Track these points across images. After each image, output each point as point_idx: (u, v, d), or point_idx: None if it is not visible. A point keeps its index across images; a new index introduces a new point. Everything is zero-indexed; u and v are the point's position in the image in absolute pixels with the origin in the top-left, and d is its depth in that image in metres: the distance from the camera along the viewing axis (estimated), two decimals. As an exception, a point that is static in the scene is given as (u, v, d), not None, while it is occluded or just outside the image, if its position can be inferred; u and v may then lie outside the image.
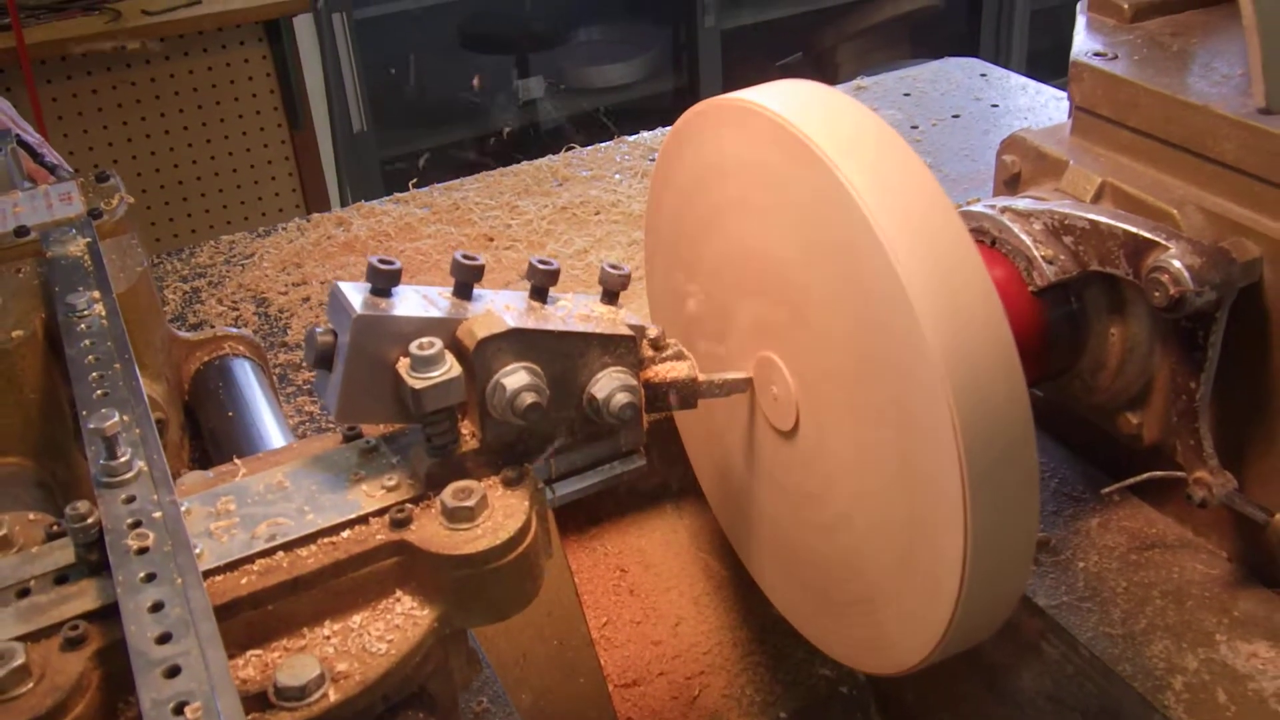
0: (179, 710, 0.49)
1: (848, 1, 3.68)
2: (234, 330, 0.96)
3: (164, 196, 2.50)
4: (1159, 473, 0.74)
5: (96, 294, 0.81)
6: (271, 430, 0.87)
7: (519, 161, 1.44)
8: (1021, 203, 0.76)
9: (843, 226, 0.61)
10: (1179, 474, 0.73)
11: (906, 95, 1.51)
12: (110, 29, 2.23)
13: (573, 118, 3.55)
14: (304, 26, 2.62)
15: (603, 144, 1.46)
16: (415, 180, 1.38)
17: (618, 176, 1.36)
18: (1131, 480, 0.76)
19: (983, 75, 1.54)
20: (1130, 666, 0.71)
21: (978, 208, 0.77)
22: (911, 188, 0.61)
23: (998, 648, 0.81)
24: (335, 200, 2.74)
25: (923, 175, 0.62)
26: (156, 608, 0.55)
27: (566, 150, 1.44)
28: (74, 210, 0.95)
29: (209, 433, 0.91)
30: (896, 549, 0.64)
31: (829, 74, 3.63)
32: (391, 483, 0.66)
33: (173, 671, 0.51)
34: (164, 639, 0.53)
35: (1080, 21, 0.85)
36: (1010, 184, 0.83)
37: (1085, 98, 0.78)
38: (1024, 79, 1.53)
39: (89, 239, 0.89)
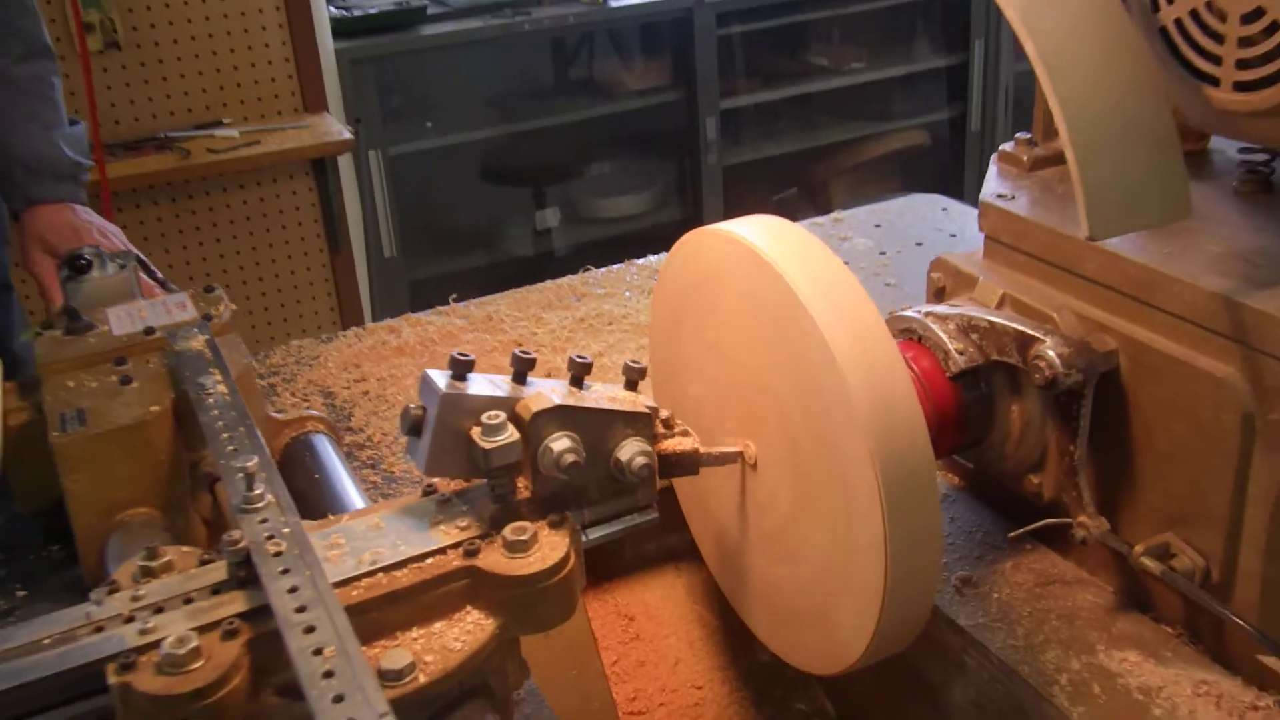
0: (318, 652, 0.69)
1: (840, 140, 3.98)
2: (314, 413, 1.18)
3: (216, 311, 2.75)
4: (1052, 520, 0.95)
5: (219, 376, 1.02)
6: (349, 491, 1.07)
7: (540, 282, 1.67)
8: (941, 309, 0.98)
9: (798, 334, 0.81)
10: (1068, 520, 0.94)
11: (877, 226, 1.74)
12: (181, 165, 2.51)
13: (586, 244, 3.82)
14: (345, 161, 2.91)
15: (614, 266, 1.69)
16: (455, 296, 1.61)
17: (627, 294, 1.59)
18: (1032, 526, 0.96)
19: (944, 209, 1.78)
20: (1028, 669, 0.90)
21: (909, 313, 0.99)
22: (851, 304, 0.82)
23: (935, 669, 1.00)
24: (368, 315, 2.99)
25: (860, 294, 0.82)
26: (292, 590, 0.74)
27: (583, 271, 1.67)
28: (189, 315, 1.17)
29: (298, 494, 1.12)
30: (838, 574, 0.84)
31: (822, 206, 3.90)
32: (463, 524, 0.86)
33: (309, 629, 0.70)
34: (300, 609, 0.72)
35: (992, 169, 1.09)
36: (937, 295, 1.05)
37: (991, 229, 1.01)
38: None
39: (206, 336, 1.11)
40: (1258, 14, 0.82)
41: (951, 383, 0.95)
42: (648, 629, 1.22)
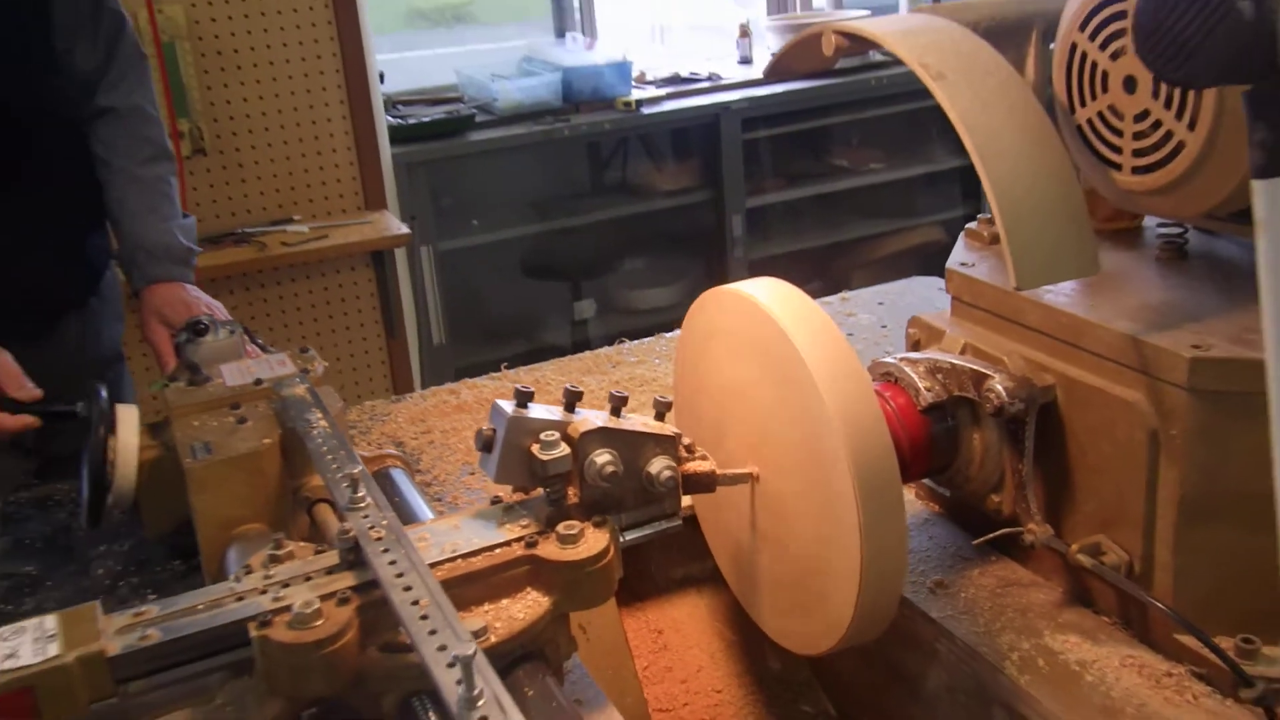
0: (415, 603, 0.89)
1: (860, 236, 4.22)
2: (391, 451, 1.40)
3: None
4: (1009, 529, 1.14)
5: (320, 414, 1.24)
6: (424, 510, 1.27)
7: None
8: (914, 355, 1.18)
9: (794, 375, 1.01)
10: (1020, 529, 1.13)
11: (880, 303, 1.96)
12: (257, 257, 2.77)
13: (619, 334, 4.04)
14: (401, 254, 3.17)
15: (645, 339, 1.92)
16: (506, 364, 1.83)
17: (656, 361, 1.81)
18: (991, 535, 1.15)
19: (940, 289, 1.99)
20: (986, 649, 1.08)
21: (888, 360, 1.20)
22: (833, 348, 1.03)
23: (913, 660, 1.19)
24: (419, 398, 3.22)
25: (842, 342, 1.03)
26: (392, 563, 0.95)
27: (618, 343, 1.89)
28: (290, 370, 1.39)
29: (380, 514, 1.32)
30: (823, 567, 1.03)
31: (844, 297, 4.11)
32: (524, 524, 1.05)
33: (407, 588, 0.91)
34: (399, 575, 0.92)
35: (959, 243, 1.30)
36: (913, 346, 1.26)
37: (955, 291, 1.22)
38: (971, 292, 1.97)
39: (306, 385, 1.33)
40: (1145, 115, 1.04)
41: (922, 415, 1.16)
42: (674, 641, 1.41)
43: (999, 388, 1.09)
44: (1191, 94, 0.97)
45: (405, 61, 4.13)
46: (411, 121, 3.50)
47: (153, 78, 1.78)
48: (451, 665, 0.81)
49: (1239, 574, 1.01)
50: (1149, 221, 1.30)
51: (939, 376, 1.15)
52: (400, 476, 1.36)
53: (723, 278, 4.15)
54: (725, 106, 3.84)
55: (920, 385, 1.15)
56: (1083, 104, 1.11)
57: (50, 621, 0.93)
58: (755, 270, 3.98)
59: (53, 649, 0.91)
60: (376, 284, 3.07)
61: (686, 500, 1.25)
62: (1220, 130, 0.96)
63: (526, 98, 3.68)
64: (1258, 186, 0.66)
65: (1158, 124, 1.03)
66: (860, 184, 4.16)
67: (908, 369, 1.17)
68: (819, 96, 3.94)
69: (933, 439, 1.16)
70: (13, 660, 0.90)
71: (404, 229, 2.99)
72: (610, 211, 3.96)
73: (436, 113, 3.61)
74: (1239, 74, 0.65)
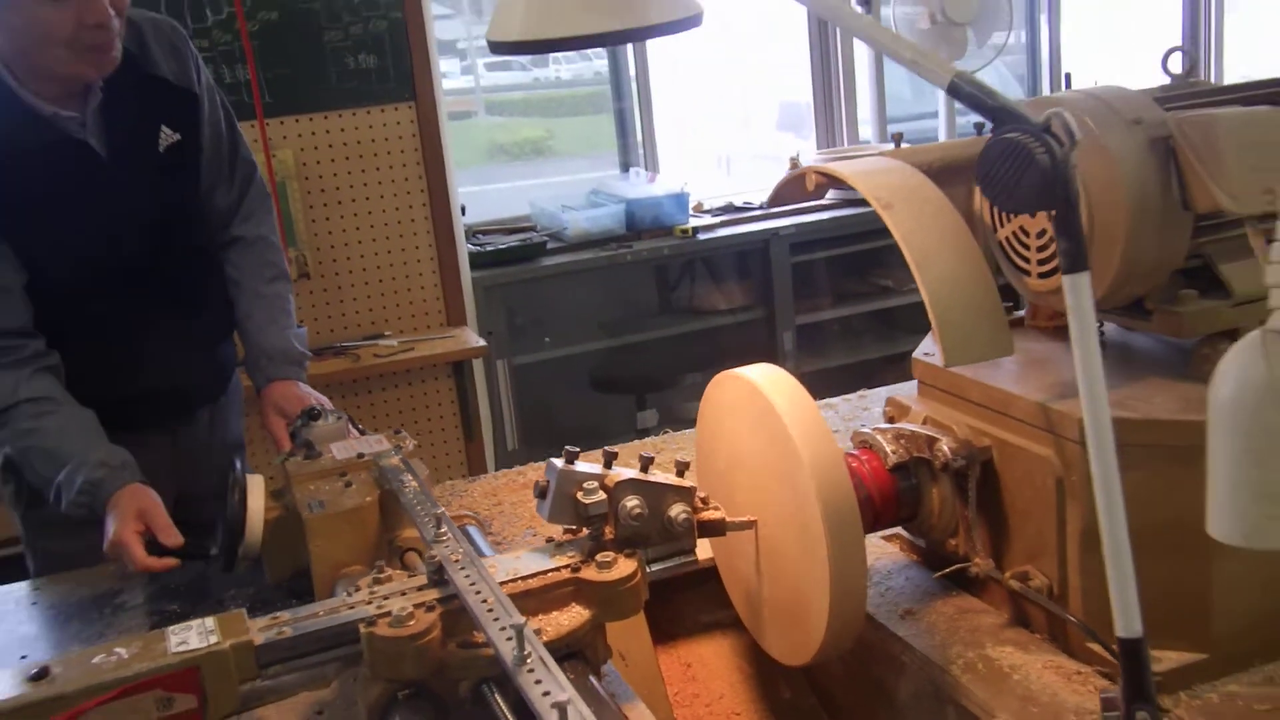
0: (484, 602, 1.18)
1: (904, 351, 4.49)
2: (468, 513, 1.70)
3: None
4: (960, 564, 1.41)
5: (411, 478, 1.56)
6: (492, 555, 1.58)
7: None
8: (885, 426, 1.47)
9: (781, 442, 1.30)
10: (968, 563, 1.40)
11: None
12: (352, 367, 3.14)
13: (681, 442, 4.33)
14: (479, 366, 3.53)
15: (687, 430, 2.22)
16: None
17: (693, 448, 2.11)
18: (948, 569, 1.42)
19: (945, 386, 2.27)
20: (938, 656, 1.33)
21: (865, 429, 1.49)
22: (812, 421, 1.32)
23: (888, 675, 1.44)
24: (493, 497, 3.55)
25: (818, 416, 1.32)
26: (468, 578, 1.25)
27: (662, 434, 2.20)
28: (386, 447, 1.72)
29: (455, 563, 1.63)
30: (805, 590, 1.31)
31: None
32: (570, 555, 1.32)
33: (479, 593, 1.21)
34: (473, 584, 1.23)
35: (926, 338, 1.60)
36: (888, 420, 1.54)
37: (919, 375, 1.51)
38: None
39: (400, 457, 1.65)
40: (1044, 233, 1.34)
41: (890, 473, 1.44)
42: (700, 673, 1.68)
43: (945, 448, 1.37)
44: (1075, 217, 1.27)
45: (485, 194, 4.57)
46: (489, 248, 3.89)
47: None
48: (509, 638, 1.09)
49: (1132, 591, 1.26)
50: (1085, 319, 1.58)
51: (902, 441, 1.44)
52: (474, 532, 1.67)
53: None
54: (775, 232, 4.18)
55: (888, 449, 1.44)
56: (1001, 225, 1.42)
57: (210, 621, 1.24)
58: (806, 383, 4.25)
59: (214, 638, 1.21)
60: (456, 392, 3.43)
61: (709, 553, 1.54)
62: (1092, 242, 1.25)
63: (593, 226, 4.07)
64: (1065, 281, 0.95)
65: (1052, 239, 1.33)
66: (902, 302, 4.46)
67: (879, 436, 1.45)
68: (861, 223, 4.27)
69: (899, 492, 1.44)
70: (184, 645, 1.20)
71: (481, 342, 3.35)
72: (671, 329, 4.29)
73: (511, 240, 4.00)
74: (1045, 204, 0.95)
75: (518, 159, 5.14)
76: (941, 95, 4.73)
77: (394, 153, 3.34)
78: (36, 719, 1.12)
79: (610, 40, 1.19)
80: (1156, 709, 0.96)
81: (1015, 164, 0.93)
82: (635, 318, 4.40)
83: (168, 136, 1.88)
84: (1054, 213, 0.94)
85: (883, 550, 1.61)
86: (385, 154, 3.34)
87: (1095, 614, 1.28)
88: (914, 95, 5.55)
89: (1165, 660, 1.24)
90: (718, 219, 4.30)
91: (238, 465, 1.64)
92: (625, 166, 4.74)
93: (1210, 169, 1.16)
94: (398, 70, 3.28)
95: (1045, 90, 5.73)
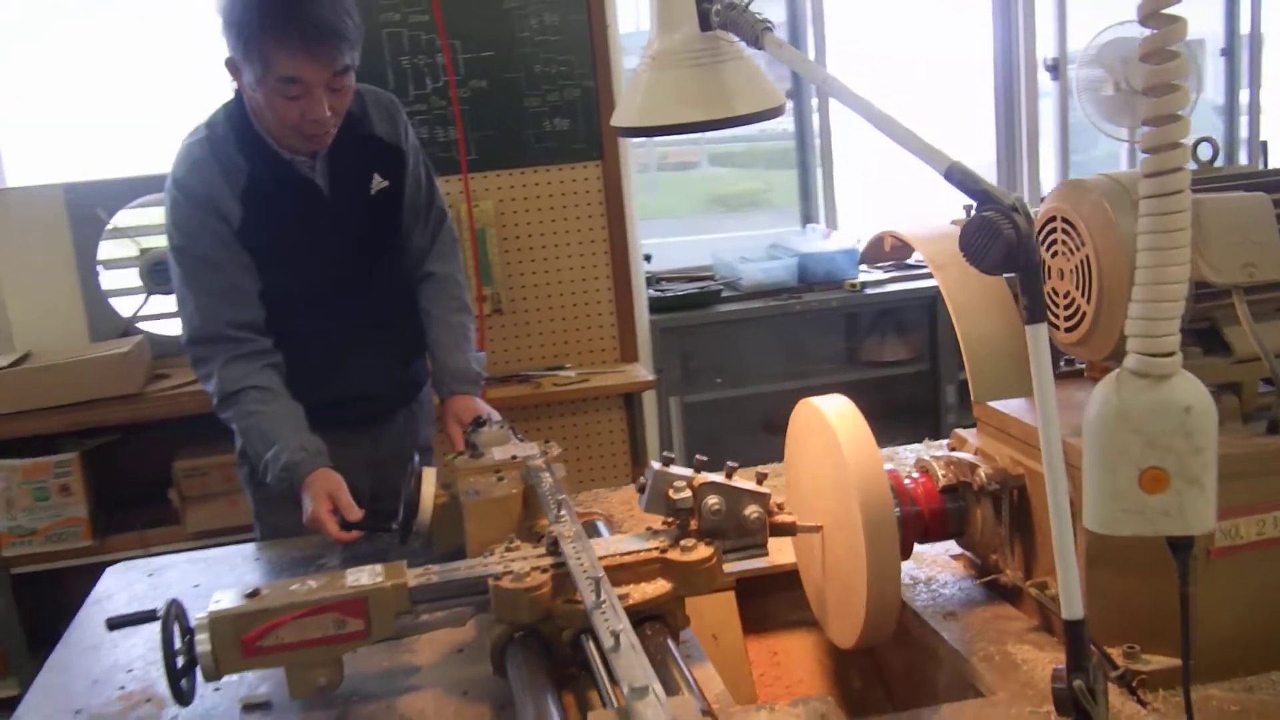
0: (584, 570, 1.50)
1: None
2: (598, 511, 2.03)
3: (543, 506, 3.75)
4: (995, 575, 1.64)
5: (549, 475, 1.90)
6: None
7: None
8: (940, 454, 1.72)
9: (839, 461, 1.59)
10: (1001, 574, 1.63)
11: (998, 443, 2.45)
12: (533, 393, 3.54)
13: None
14: (650, 401, 3.88)
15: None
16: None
17: (810, 474, 2.38)
18: (985, 579, 1.65)
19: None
20: (964, 649, 1.57)
21: (925, 456, 1.74)
22: (864, 445, 1.59)
23: (931, 667, 1.68)
24: (655, 521, 3.88)
25: (870, 441, 1.59)
26: (575, 549, 1.57)
27: (786, 461, 2.47)
28: (534, 451, 2.07)
29: (582, 551, 1.96)
30: (852, 587, 1.58)
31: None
32: (660, 541, 1.65)
33: (580, 562, 1.53)
34: (577, 555, 1.55)
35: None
36: (951, 450, 1.79)
37: (978, 414, 1.75)
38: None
39: (544, 459, 2.00)
40: (1068, 294, 1.57)
41: (940, 494, 1.69)
42: (785, 660, 1.95)
43: (983, 474, 1.61)
44: (1090, 281, 1.51)
45: (688, 242, 5.00)
46: (669, 294, 4.25)
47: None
48: (593, 589, 1.41)
49: (1127, 602, 1.47)
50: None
51: (952, 467, 1.69)
52: (601, 525, 2.00)
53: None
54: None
55: (939, 473, 1.69)
56: (1039, 286, 1.65)
57: (378, 567, 1.60)
58: (964, 433, 4.41)
59: (379, 578, 1.57)
60: (626, 422, 3.79)
61: (792, 557, 1.82)
62: (1103, 305, 1.48)
63: (767, 278, 4.37)
64: (1028, 330, 1.20)
65: (1073, 300, 1.56)
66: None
67: (934, 462, 1.71)
68: (1027, 282, 4.40)
69: (947, 511, 1.68)
70: (357, 581, 1.57)
71: (650, 376, 3.70)
72: (838, 376, 4.50)
73: (690, 288, 4.35)
74: (1012, 268, 1.20)
75: (737, 210, 5.50)
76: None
77: (580, 205, 3.75)
78: (250, 624, 1.51)
79: (704, 128, 1.50)
80: (1090, 679, 1.19)
81: (987, 236, 1.19)
82: (803, 365, 4.64)
83: (378, 183, 2.31)
84: (1019, 275, 1.20)
85: (946, 565, 1.85)
86: (573, 206, 3.74)
87: (1095, 617, 1.49)
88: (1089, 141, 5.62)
89: (1153, 663, 1.44)
90: (888, 274, 4.53)
91: (416, 458, 2.02)
92: (805, 220, 5.03)
93: (1197, 245, 1.38)
94: (588, 132, 3.69)
95: (1242, 158, 5.71)
